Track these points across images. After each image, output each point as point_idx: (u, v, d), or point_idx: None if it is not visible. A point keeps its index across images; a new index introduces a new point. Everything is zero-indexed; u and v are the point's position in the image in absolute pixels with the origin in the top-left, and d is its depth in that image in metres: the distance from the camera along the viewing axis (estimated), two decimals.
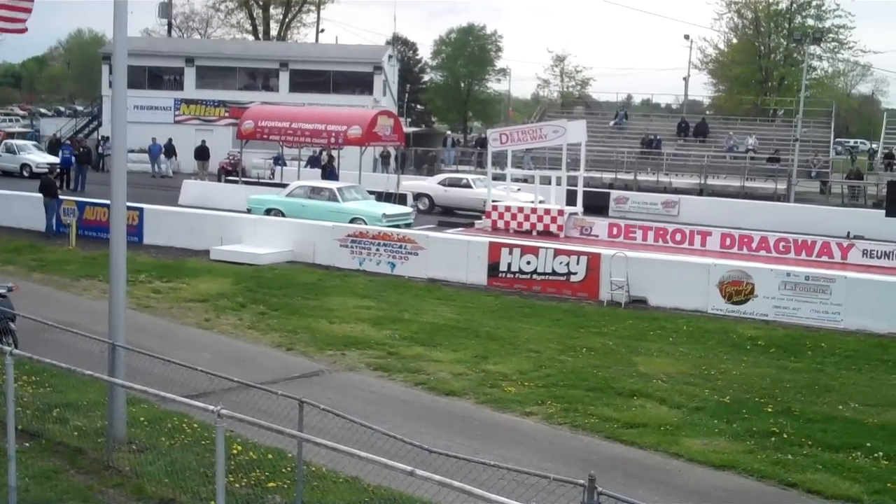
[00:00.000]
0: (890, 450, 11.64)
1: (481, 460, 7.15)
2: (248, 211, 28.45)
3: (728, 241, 27.85)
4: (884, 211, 29.18)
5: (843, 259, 26.13)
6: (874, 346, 17.14)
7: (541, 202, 30.74)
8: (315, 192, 28.75)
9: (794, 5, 60.89)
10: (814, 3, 60.35)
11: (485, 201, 31.83)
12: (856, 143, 71.59)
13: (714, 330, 18.09)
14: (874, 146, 57.71)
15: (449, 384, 13.90)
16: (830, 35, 59.18)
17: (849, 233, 28.33)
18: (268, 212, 28.10)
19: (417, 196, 35.96)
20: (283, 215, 27.44)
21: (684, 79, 66.30)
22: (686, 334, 17.72)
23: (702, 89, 70.70)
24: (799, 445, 11.81)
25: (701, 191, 43.38)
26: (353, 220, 26.68)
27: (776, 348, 16.79)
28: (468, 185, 36.01)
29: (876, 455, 11.52)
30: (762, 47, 62.99)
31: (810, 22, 60.40)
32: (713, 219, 33.43)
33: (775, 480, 10.81)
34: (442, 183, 37.22)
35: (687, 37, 65.38)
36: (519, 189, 34.29)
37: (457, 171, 44.08)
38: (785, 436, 12.09)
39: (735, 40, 64.97)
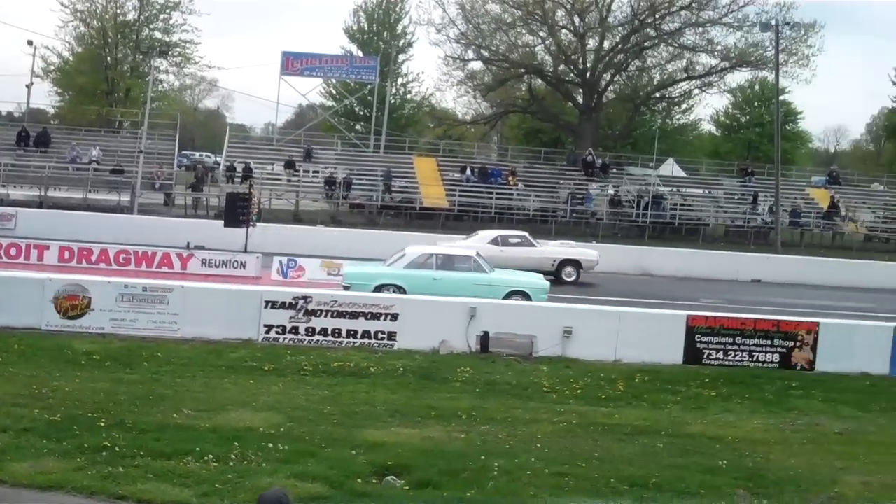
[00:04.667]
0: (219, 452, 12.17)
1: None
2: (346, 288, 23.32)
3: (67, 255, 27.18)
4: (223, 221, 30.68)
5: (183, 269, 26.93)
6: (209, 353, 17.90)
7: None
8: (450, 263, 24.89)
9: (142, 17, 61.59)
10: (161, 17, 61.61)
11: None
12: (201, 155, 74.40)
13: (48, 347, 17.52)
14: (219, 159, 60.43)
15: None
16: (177, 49, 60.90)
17: (188, 243, 29.27)
18: (378, 289, 23.32)
19: None
20: (404, 292, 23.11)
21: (27, 86, 63.44)
22: (17, 353, 16.94)
23: (46, 98, 68.36)
24: (131, 457, 11.86)
25: (41, 203, 41.92)
26: (508, 295, 23.49)
27: (112, 361, 16.79)
28: None
29: (206, 458, 11.96)
30: (109, 58, 62.73)
31: (158, 35, 61.60)
32: (53, 232, 32.30)
33: (106, 495, 10.76)
34: None
35: (30, 43, 62.60)
36: None
37: None
38: (117, 449, 12.06)
39: (80, 50, 63.88)
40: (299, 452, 12.43)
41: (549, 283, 25.76)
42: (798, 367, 19.93)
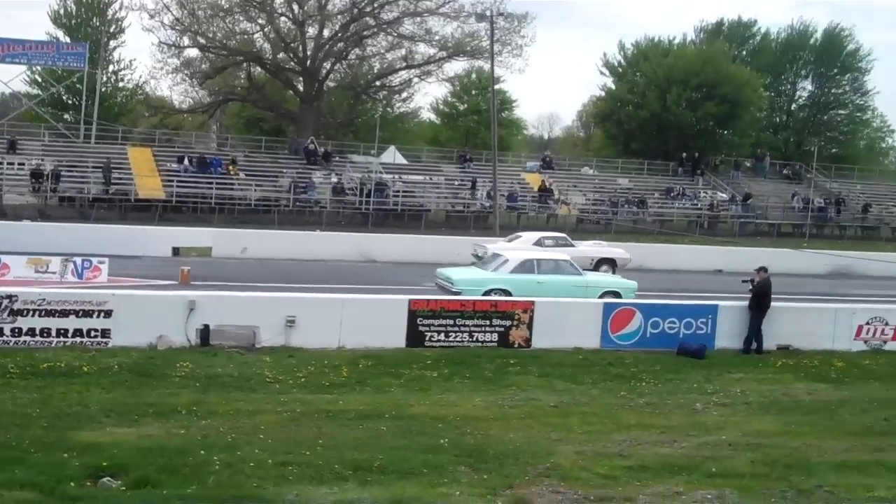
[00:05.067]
0: None
1: None
2: (457, 293, 23.82)
3: None
4: None
5: None
6: None
7: None
8: (550, 267, 26.22)
9: None
10: None
11: None
12: None
13: None
14: None
15: None
16: None
17: None
18: (486, 293, 24.09)
19: None
20: (510, 295, 23.81)
21: None
22: None
23: None
24: None
25: None
26: (603, 295, 25.15)
27: None
28: None
29: None
30: None
31: None
32: None
33: None
34: None
35: None
36: None
37: None
38: None
39: None
40: (5, 459, 11.79)
41: (636, 282, 27.13)
42: (516, 345, 20.82)
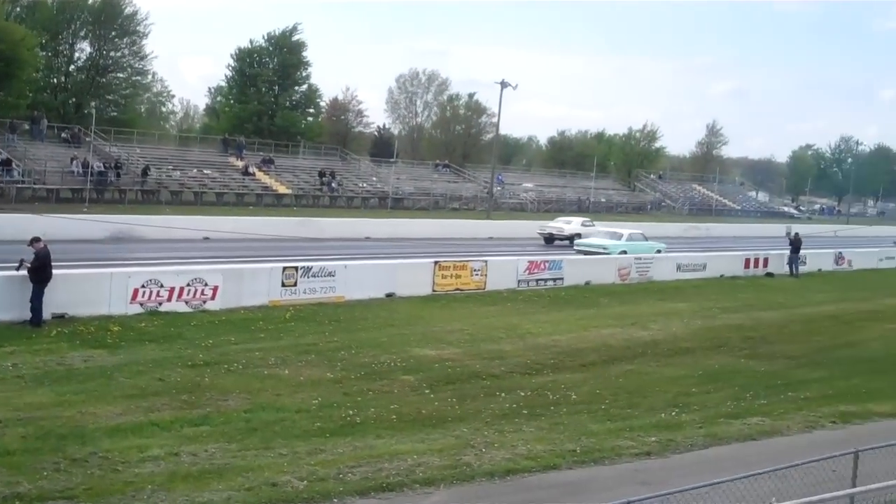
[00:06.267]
0: None
1: None
2: (608, 253, 44.54)
3: None
4: None
5: None
6: None
7: None
8: (638, 237, 49.70)
9: None
10: None
11: None
12: None
13: None
14: None
15: None
16: None
17: None
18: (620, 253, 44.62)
19: None
20: (626, 252, 44.37)
21: None
22: None
23: None
24: None
25: None
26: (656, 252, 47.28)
27: None
28: None
29: None
30: None
31: None
32: None
33: None
34: None
35: None
36: None
37: None
38: None
39: None
40: None
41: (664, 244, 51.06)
42: None
